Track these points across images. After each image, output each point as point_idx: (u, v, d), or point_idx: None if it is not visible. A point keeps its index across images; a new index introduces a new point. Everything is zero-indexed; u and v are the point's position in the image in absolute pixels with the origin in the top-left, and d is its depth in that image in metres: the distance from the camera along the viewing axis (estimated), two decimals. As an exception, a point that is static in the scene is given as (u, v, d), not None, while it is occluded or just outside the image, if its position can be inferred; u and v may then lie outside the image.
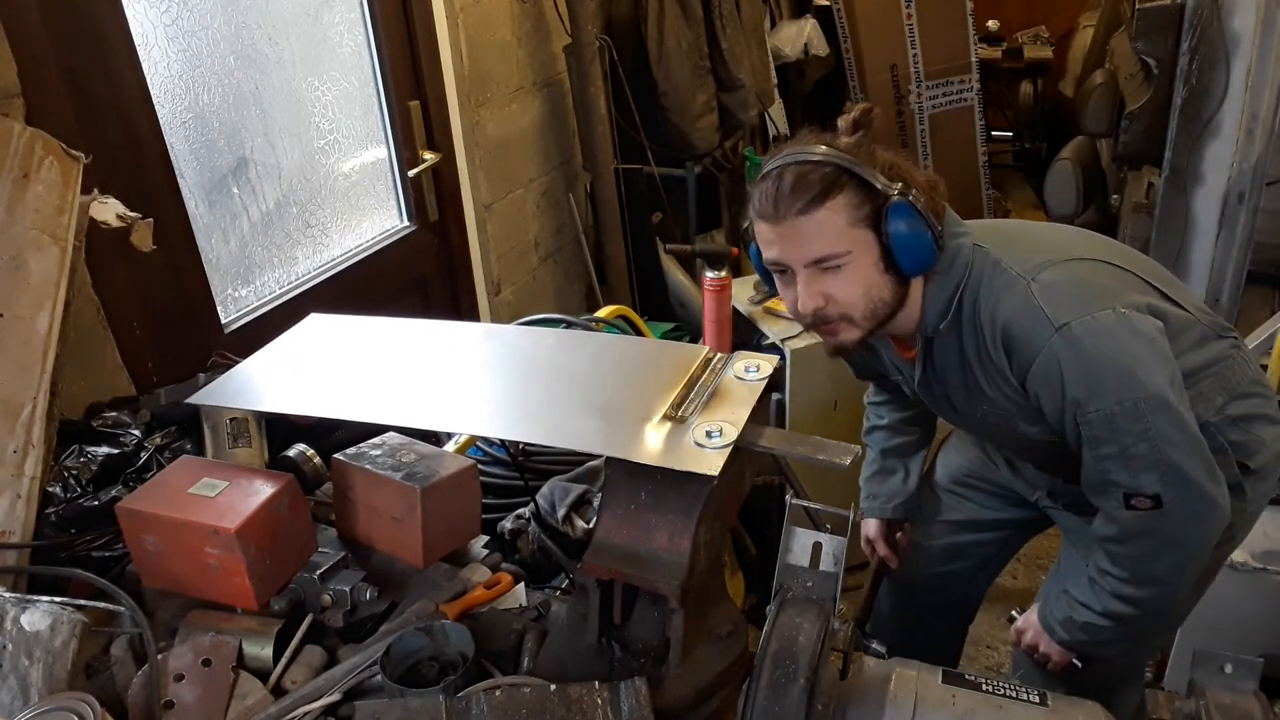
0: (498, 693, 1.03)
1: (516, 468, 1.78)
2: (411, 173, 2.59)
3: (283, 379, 1.39)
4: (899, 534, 1.90)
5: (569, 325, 2.15)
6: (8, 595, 1.12)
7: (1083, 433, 1.32)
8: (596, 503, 1.58)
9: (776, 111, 4.15)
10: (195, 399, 1.39)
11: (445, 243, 2.79)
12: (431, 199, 2.70)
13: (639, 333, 2.49)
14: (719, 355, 1.28)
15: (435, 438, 1.62)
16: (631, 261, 3.45)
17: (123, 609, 1.17)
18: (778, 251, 1.32)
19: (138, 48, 1.79)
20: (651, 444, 1.10)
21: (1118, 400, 1.27)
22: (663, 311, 3.36)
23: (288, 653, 1.18)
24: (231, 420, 1.46)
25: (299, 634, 1.20)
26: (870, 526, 1.89)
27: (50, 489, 1.38)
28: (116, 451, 1.49)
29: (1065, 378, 1.28)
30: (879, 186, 1.27)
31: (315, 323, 1.54)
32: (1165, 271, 1.48)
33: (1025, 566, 2.86)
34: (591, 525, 1.48)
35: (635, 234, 3.42)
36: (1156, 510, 1.32)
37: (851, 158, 1.28)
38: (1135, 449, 1.29)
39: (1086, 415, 1.29)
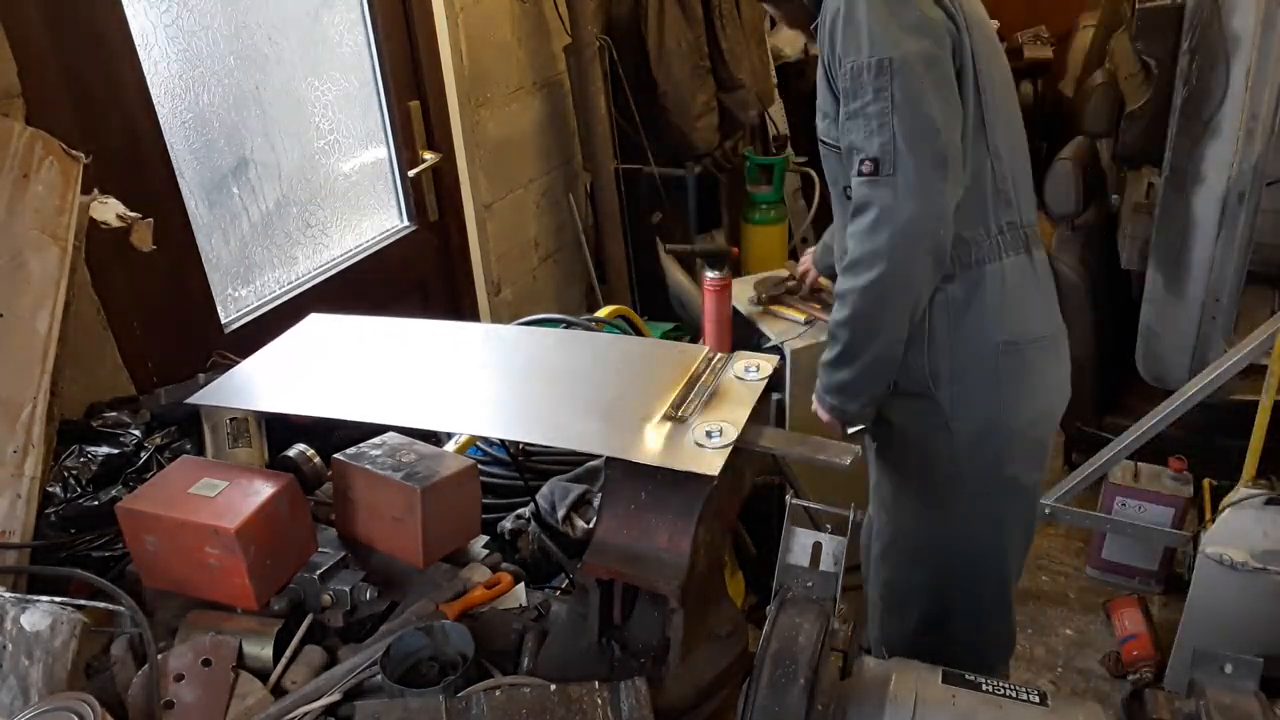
0: (498, 693, 1.03)
1: (516, 468, 1.78)
2: (411, 173, 2.59)
3: (283, 379, 1.39)
4: None
5: (569, 325, 2.15)
6: (8, 595, 1.12)
7: (839, 88, 1.45)
8: (596, 503, 1.58)
9: (776, 111, 4.15)
10: (195, 399, 1.39)
11: (445, 243, 2.79)
12: (431, 199, 2.70)
13: (639, 333, 2.49)
14: (719, 355, 1.28)
15: (435, 438, 1.62)
16: (631, 261, 3.45)
17: (123, 609, 1.17)
18: None
19: (138, 48, 1.79)
20: (651, 444, 1.10)
21: (871, 54, 1.39)
22: (663, 311, 3.36)
23: (288, 653, 1.18)
24: (231, 420, 1.46)
25: (299, 634, 1.20)
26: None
27: (50, 489, 1.38)
28: (116, 451, 1.49)
29: (836, 31, 1.43)
30: None
31: (315, 323, 1.54)
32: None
33: (1026, 568, 2.86)
34: (591, 525, 1.48)
35: (635, 234, 3.42)
36: (873, 177, 1.42)
37: None
38: (870, 108, 1.41)
39: (844, 68, 1.42)
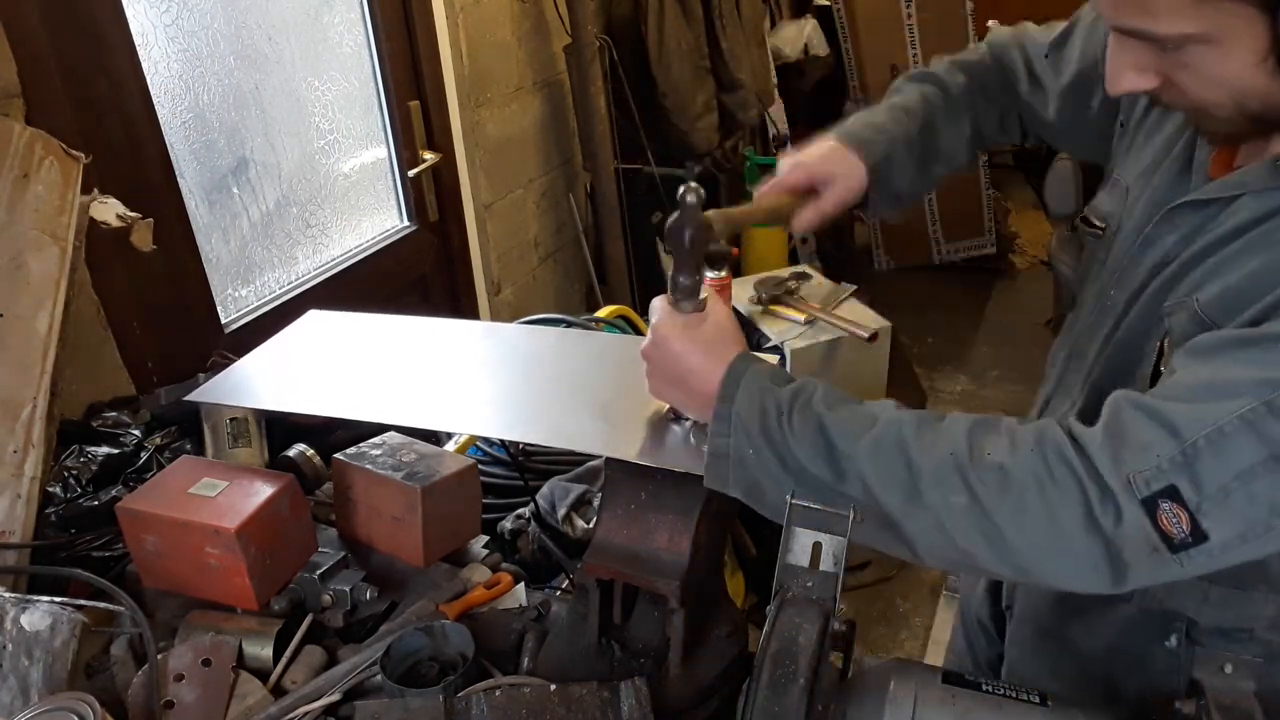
0: (498, 693, 1.03)
1: (516, 468, 1.78)
2: (411, 173, 2.60)
3: (282, 377, 1.39)
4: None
5: (569, 325, 2.14)
6: (8, 595, 1.12)
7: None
8: (596, 503, 1.58)
9: (776, 111, 4.15)
10: (194, 396, 1.39)
11: (445, 243, 2.79)
12: (431, 199, 2.70)
13: (639, 333, 2.49)
14: (719, 355, 1.27)
15: (435, 437, 1.62)
16: (631, 261, 3.45)
17: (123, 609, 1.17)
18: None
19: (138, 48, 1.79)
20: (651, 444, 1.10)
21: None
22: (663, 311, 3.36)
23: (288, 653, 1.18)
24: (231, 420, 1.46)
25: (299, 634, 1.20)
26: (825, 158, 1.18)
27: (50, 489, 1.38)
28: (116, 451, 1.49)
29: None
30: None
31: (314, 319, 1.54)
32: None
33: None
34: (591, 525, 1.48)
35: (635, 234, 3.42)
36: (1184, 550, 0.80)
37: None
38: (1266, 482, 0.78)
39: None
